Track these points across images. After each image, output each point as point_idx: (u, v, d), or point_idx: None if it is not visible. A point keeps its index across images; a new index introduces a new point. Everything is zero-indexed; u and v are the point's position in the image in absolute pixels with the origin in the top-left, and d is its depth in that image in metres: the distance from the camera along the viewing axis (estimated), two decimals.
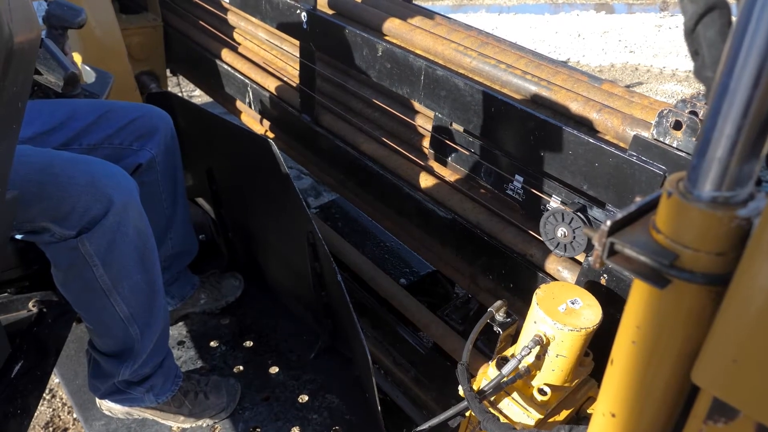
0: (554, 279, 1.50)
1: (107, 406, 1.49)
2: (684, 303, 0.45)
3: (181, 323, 1.87)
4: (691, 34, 0.53)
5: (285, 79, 2.23)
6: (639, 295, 0.48)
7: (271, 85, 2.23)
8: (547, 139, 1.34)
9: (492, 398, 1.28)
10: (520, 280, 1.56)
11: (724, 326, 0.40)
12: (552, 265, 1.50)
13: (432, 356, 1.88)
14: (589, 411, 1.35)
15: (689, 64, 5.92)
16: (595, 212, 1.31)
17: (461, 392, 1.37)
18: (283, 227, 1.67)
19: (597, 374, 1.37)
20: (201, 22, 2.60)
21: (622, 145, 1.28)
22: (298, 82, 2.11)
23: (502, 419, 1.24)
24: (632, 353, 0.50)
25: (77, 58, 1.56)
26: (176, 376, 1.52)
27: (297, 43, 1.99)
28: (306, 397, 1.61)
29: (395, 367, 1.80)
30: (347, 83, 2.02)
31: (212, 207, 2.08)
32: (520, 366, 1.22)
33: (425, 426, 1.23)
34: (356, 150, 1.92)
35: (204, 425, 1.54)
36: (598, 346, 1.24)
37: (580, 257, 1.46)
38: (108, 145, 1.49)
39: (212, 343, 1.81)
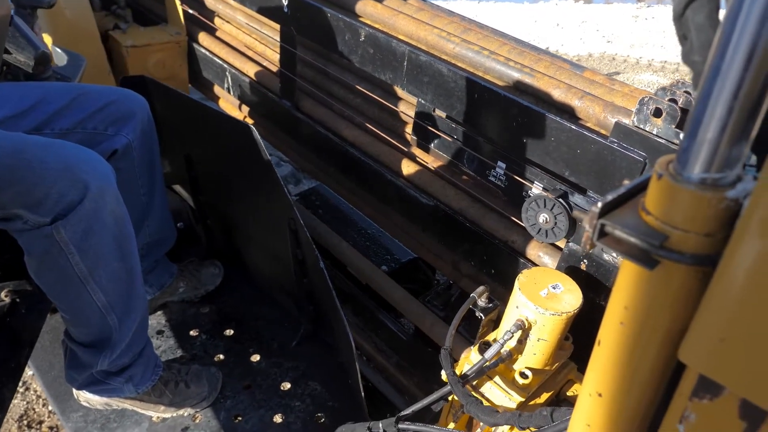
0: (535, 264, 1.51)
1: (85, 397, 1.47)
2: (672, 283, 0.45)
3: (159, 312, 1.84)
4: (679, 18, 0.53)
5: (265, 64, 2.20)
6: (627, 277, 0.48)
7: (251, 70, 2.19)
8: (529, 126, 1.34)
9: (474, 382, 1.29)
10: (502, 266, 1.57)
11: (711, 305, 0.41)
12: (533, 251, 1.51)
13: (414, 342, 1.89)
14: (569, 393, 1.37)
15: (664, 55, 6.00)
16: (576, 198, 1.32)
17: (444, 377, 1.38)
18: (264, 214, 1.66)
19: (576, 358, 1.39)
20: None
21: (603, 132, 1.29)
22: (278, 67, 2.08)
23: (485, 403, 1.25)
24: (620, 334, 0.50)
25: (47, 39, 1.51)
26: (156, 365, 1.50)
27: (277, 27, 1.96)
28: (288, 385, 1.61)
29: (377, 353, 1.81)
30: (328, 68, 2.00)
31: (190, 194, 2.05)
32: (502, 350, 1.24)
33: (409, 410, 1.23)
34: (338, 136, 1.90)
35: (185, 414, 1.53)
36: (577, 330, 1.26)
37: (561, 243, 1.47)
38: (81, 130, 1.45)
39: (192, 332, 1.79)
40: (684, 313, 0.47)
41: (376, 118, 1.89)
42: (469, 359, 1.32)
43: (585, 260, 1.36)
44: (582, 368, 1.40)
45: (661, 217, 0.44)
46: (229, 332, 1.79)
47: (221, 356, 1.70)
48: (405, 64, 1.55)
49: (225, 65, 2.25)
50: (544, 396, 1.32)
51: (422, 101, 1.59)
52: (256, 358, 1.70)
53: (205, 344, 1.75)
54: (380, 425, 1.25)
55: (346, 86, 1.99)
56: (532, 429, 1.04)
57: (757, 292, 0.38)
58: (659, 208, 0.44)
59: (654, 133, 1.17)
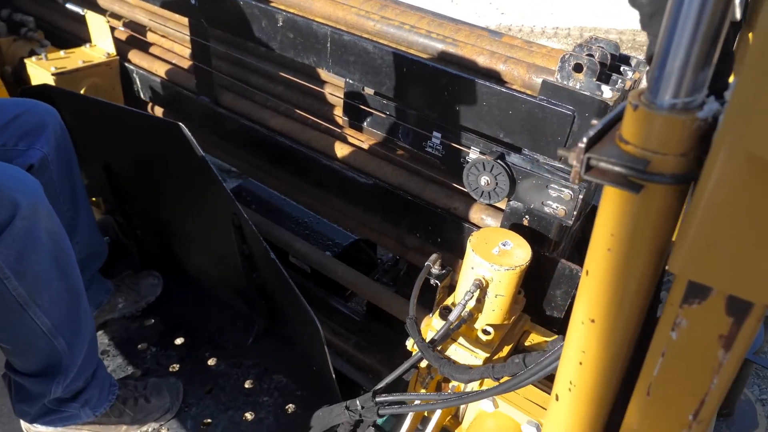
0: (479, 228, 1.57)
1: (37, 430, 1.37)
2: (654, 204, 0.50)
3: (101, 332, 1.74)
4: None
5: (175, 61, 2.11)
6: (611, 205, 0.52)
7: (160, 69, 2.10)
8: (460, 93, 1.38)
9: (439, 347, 1.33)
10: (447, 234, 1.62)
11: (697, 216, 0.45)
12: (476, 214, 1.57)
13: (368, 322, 1.91)
14: (527, 344, 1.45)
15: (555, 21, 6.33)
16: (513, 158, 1.38)
17: (410, 346, 1.42)
18: (204, 213, 1.60)
19: (528, 310, 1.47)
20: (68, 6, 2.37)
21: (529, 92, 1.36)
22: (190, 62, 2.00)
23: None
24: (608, 260, 0.55)
25: None
26: (111, 384, 1.42)
27: (185, 21, 1.88)
28: (252, 382, 1.58)
29: (335, 337, 1.82)
30: (245, 59, 1.95)
31: (114, 205, 1.94)
32: (463, 311, 1.28)
33: (383, 383, 1.26)
34: (264, 127, 1.87)
35: (150, 430, 1.46)
36: (525, 283, 1.33)
37: (501, 204, 1.54)
38: None
39: (140, 347, 1.71)
40: (665, 230, 0.52)
41: (302, 105, 1.88)
42: (431, 326, 1.36)
43: (527, 216, 1.43)
44: (534, 319, 1.49)
45: (640, 145, 0.48)
46: (180, 341, 1.73)
47: (176, 366, 1.64)
48: (328, 45, 1.55)
49: (131, 67, 2.13)
50: (506, 349, 1.38)
51: (350, 81, 1.59)
52: (213, 361, 1.65)
53: (157, 356, 1.68)
54: (357, 402, 1.27)
55: (266, 75, 1.95)
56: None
57: (736, 197, 0.43)
58: (637, 137, 0.48)
59: (578, 88, 1.24)
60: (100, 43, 2.03)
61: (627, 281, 0.55)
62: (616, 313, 0.57)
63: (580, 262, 1.47)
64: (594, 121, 0.54)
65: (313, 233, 2.18)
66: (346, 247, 2.13)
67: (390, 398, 1.23)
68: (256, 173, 2.09)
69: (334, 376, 1.39)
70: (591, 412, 0.66)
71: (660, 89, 0.47)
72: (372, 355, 1.76)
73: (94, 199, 2.13)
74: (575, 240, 1.66)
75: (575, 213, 1.35)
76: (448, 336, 1.28)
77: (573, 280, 1.48)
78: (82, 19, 2.11)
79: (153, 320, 1.80)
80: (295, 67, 1.89)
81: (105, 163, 1.76)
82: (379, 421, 1.57)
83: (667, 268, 0.50)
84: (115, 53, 2.01)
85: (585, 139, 0.49)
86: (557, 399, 0.69)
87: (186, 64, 2.07)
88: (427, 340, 1.27)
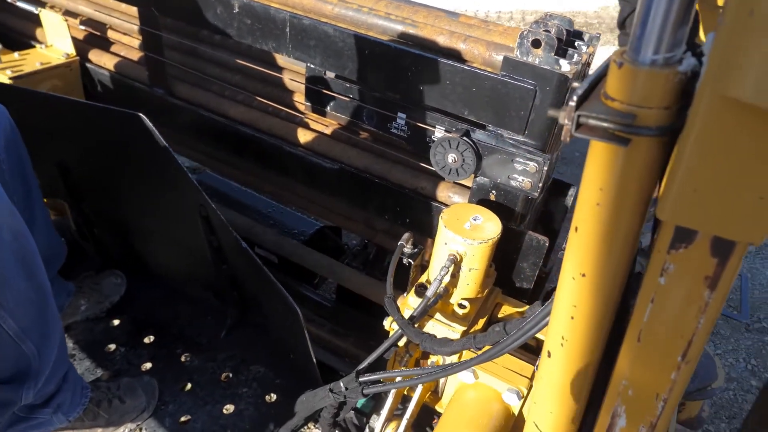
0: (447, 206, 1.60)
1: None
2: (640, 157, 0.53)
3: (65, 335, 1.68)
4: None
5: (124, 53, 2.03)
6: (599, 161, 0.55)
7: (108, 62, 2.02)
8: (424, 73, 1.40)
9: (416, 324, 1.35)
10: (415, 214, 1.64)
11: (683, 163, 0.48)
12: (443, 193, 1.60)
13: (339, 307, 1.92)
14: (500, 315, 1.49)
15: (498, 5, 6.43)
16: (478, 135, 1.41)
17: (387, 326, 1.44)
18: (168, 206, 1.57)
19: (498, 283, 1.51)
20: (20, 4, 2.24)
21: (490, 70, 1.38)
22: (141, 54, 1.94)
23: None
24: (597, 215, 0.57)
25: None
26: (83, 387, 1.38)
27: (133, 10, 1.82)
28: (229, 375, 1.56)
29: (308, 324, 1.81)
30: (200, 48, 1.91)
31: (69, 204, 1.87)
32: (439, 287, 1.31)
33: (365, 363, 1.27)
34: (224, 117, 1.83)
35: (127, 431, 1.43)
36: (494, 257, 1.37)
37: (468, 182, 1.57)
38: None
39: (108, 348, 1.67)
40: (650, 182, 0.55)
41: (262, 92, 1.85)
42: (407, 304, 1.38)
43: (493, 191, 1.46)
44: (505, 292, 1.53)
45: (625, 100, 0.51)
46: (150, 339, 1.69)
47: (148, 365, 1.61)
48: (288, 30, 1.53)
49: (92, 66, 2.04)
50: (481, 322, 1.42)
51: (312, 66, 1.58)
52: (186, 357, 1.62)
53: (127, 356, 1.63)
54: (341, 384, 1.28)
55: (223, 64, 1.91)
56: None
57: (718, 141, 0.46)
58: (623, 93, 0.51)
59: (537, 63, 1.28)
60: (57, 43, 1.93)
61: (615, 234, 0.58)
62: (606, 265, 0.60)
63: (544, 234, 1.52)
64: (575, 84, 0.56)
65: (277, 223, 2.16)
66: (311, 234, 2.12)
67: (373, 377, 1.25)
68: (217, 165, 2.05)
69: (315, 360, 1.39)
70: (583, 365, 0.69)
71: (642, 46, 0.49)
72: (346, 339, 1.77)
73: (46, 200, 2.04)
74: (538, 213, 1.71)
75: (540, 185, 1.39)
76: (426, 311, 1.30)
77: (540, 251, 1.52)
78: (34, 18, 2.00)
79: (119, 320, 1.75)
80: (252, 54, 1.87)
81: (58, 161, 1.69)
82: (359, 404, 1.58)
83: (656, 214, 0.53)
84: (74, 53, 1.92)
85: (575, 98, 0.51)
86: (549, 356, 0.72)
87: (141, 56, 2.01)
88: (410, 316, 1.29)
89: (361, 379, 1.25)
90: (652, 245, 0.58)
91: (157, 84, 1.92)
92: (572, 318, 0.65)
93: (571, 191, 1.85)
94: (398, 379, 1.29)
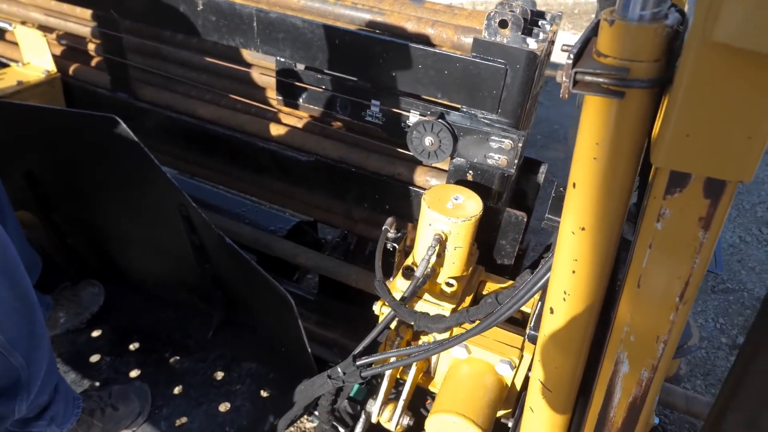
0: (425, 189, 1.62)
1: None
2: (633, 109, 0.56)
3: None
4: None
5: (83, 58, 1.99)
6: (595, 117, 0.58)
7: (68, 67, 1.97)
8: (395, 60, 1.42)
9: (407, 305, 1.38)
10: (394, 200, 1.66)
11: (675, 110, 0.52)
12: (420, 177, 1.62)
13: (323, 300, 1.93)
14: (484, 292, 1.53)
15: None
16: (452, 117, 1.44)
17: (377, 310, 1.45)
18: (147, 209, 1.54)
19: (480, 261, 1.55)
20: None
21: (459, 53, 1.42)
22: (101, 58, 1.90)
23: None
24: (594, 168, 0.61)
25: None
26: (75, 398, 1.35)
27: (89, 13, 1.78)
28: (221, 374, 1.56)
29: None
30: (162, 49, 1.88)
31: (39, 215, 1.82)
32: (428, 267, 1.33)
33: (360, 347, 1.29)
34: (193, 117, 1.81)
35: None
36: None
37: (444, 165, 1.60)
38: None
39: (92, 359, 1.63)
40: (643, 132, 0.58)
41: (230, 90, 1.84)
42: (396, 287, 1.41)
43: (470, 171, 1.50)
44: (487, 269, 1.57)
45: (618, 56, 0.54)
46: (135, 346, 1.66)
47: (137, 371, 1.58)
48: (255, 25, 1.53)
49: (71, 81, 1.98)
50: (468, 299, 1.45)
51: (281, 59, 1.58)
52: (176, 360, 1.60)
53: (113, 365, 1.60)
54: (339, 369, 1.29)
55: (187, 64, 1.89)
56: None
57: (707, 86, 0.50)
58: (615, 49, 0.54)
59: (506, 42, 1.32)
60: (36, 60, 1.84)
61: (612, 185, 0.61)
62: (605, 217, 0.64)
63: (519, 209, 1.57)
64: (563, 45, 0.59)
65: (252, 222, 2.15)
66: (290, 230, 2.12)
67: (370, 359, 1.27)
68: (188, 167, 2.03)
69: (309, 350, 1.40)
70: (585, 317, 0.72)
71: (630, 3, 0.53)
72: (334, 330, 1.78)
73: None
74: (512, 192, 1.76)
75: (516, 161, 1.44)
76: (416, 291, 1.32)
77: (519, 227, 1.57)
78: (5, 36, 1.89)
79: (101, 330, 1.71)
80: (217, 52, 1.85)
81: (25, 171, 1.64)
82: (352, 392, 1.59)
83: (651, 161, 0.56)
84: (55, 70, 1.84)
85: (571, 56, 0.54)
86: (552, 312, 0.75)
87: (100, 61, 1.96)
88: (401, 297, 1.31)
89: (358, 363, 1.27)
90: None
91: (120, 89, 1.88)
92: (573, 272, 0.69)
93: (542, 168, 1.91)
94: (393, 359, 1.31)
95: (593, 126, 0.58)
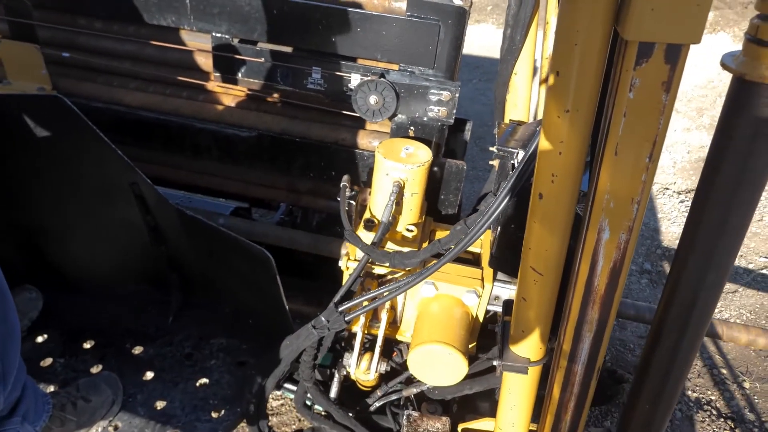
0: (370, 152, 1.71)
1: None
2: None
3: None
4: None
5: None
6: (573, 10, 0.70)
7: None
8: (334, 25, 1.49)
9: None
10: (340, 166, 1.72)
11: None
12: (363, 140, 1.71)
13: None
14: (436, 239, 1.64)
15: None
16: (392, 76, 1.54)
17: (343, 265, 1.51)
18: (91, 194, 1.48)
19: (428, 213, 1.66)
20: None
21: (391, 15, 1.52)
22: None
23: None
24: (575, 54, 0.72)
25: None
26: (43, 395, 1.28)
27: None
28: (191, 353, 1.54)
29: None
30: (79, 38, 1.80)
31: None
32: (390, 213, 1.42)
33: (339, 295, 1.34)
34: (121, 106, 1.76)
35: (100, 429, 1.35)
36: None
37: (385, 128, 1.70)
38: None
39: (43, 364, 1.54)
40: (612, 15, 0.70)
41: (157, 74, 1.81)
42: (359, 237, 1.47)
43: (412, 127, 1.61)
44: (435, 220, 1.69)
45: None
46: (90, 343, 1.59)
47: (98, 366, 1.52)
48: (188, 1, 1.53)
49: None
50: (425, 245, 1.56)
51: (217, 34, 1.59)
52: (139, 349, 1.56)
53: (69, 365, 1.52)
54: (322, 318, 1.33)
55: (107, 52, 1.83)
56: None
57: None
58: None
59: (438, 0, 1.44)
60: (25, 76, 1.61)
61: (591, 67, 0.73)
62: (587, 97, 0.76)
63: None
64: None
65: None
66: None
67: (352, 303, 1.33)
68: None
69: (287, 307, 1.43)
70: (570, 195, 0.85)
71: None
72: (295, 301, 1.81)
73: None
74: (448, 146, 1.89)
75: (454, 112, 1.56)
76: (385, 233, 1.40)
77: (459, 176, 1.70)
78: None
79: (46, 335, 1.62)
80: (139, 36, 1.81)
81: None
82: (319, 360, 1.63)
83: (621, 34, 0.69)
84: (51, 87, 1.65)
85: None
86: (541, 197, 0.87)
87: None
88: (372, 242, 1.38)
89: (340, 309, 1.32)
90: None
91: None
92: (560, 153, 0.81)
93: (468, 126, 2.06)
94: (376, 297, 1.37)
95: (572, 17, 0.70)
